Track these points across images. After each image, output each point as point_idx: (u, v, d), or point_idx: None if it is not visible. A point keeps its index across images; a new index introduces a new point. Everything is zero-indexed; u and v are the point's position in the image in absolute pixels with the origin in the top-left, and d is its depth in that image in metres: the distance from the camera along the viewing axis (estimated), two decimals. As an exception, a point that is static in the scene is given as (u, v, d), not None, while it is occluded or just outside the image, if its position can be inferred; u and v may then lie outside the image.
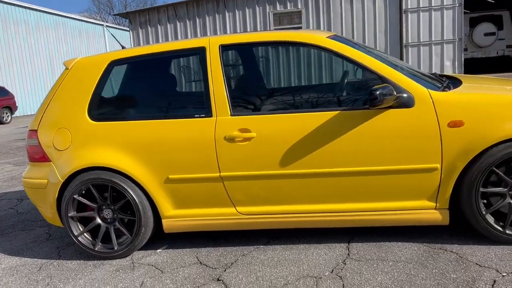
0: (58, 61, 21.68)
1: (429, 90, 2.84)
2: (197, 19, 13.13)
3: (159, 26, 13.27)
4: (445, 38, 12.35)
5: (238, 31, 12.93)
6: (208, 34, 13.13)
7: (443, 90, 2.91)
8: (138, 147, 3.12)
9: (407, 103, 2.82)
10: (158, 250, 3.34)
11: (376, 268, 2.74)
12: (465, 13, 13.82)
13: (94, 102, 3.26)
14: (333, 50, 2.99)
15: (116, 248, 3.23)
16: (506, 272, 2.55)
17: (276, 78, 3.35)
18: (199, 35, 13.20)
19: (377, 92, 2.69)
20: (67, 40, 22.15)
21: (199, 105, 3.10)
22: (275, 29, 12.87)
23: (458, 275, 2.56)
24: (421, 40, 12.49)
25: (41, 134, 3.33)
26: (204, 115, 3.06)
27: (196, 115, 3.08)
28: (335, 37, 3.21)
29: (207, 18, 13.14)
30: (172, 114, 3.14)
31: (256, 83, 3.26)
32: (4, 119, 17.00)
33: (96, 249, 3.26)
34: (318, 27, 12.74)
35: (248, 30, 12.92)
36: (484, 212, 2.83)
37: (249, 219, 3.12)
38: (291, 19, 12.78)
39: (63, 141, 3.26)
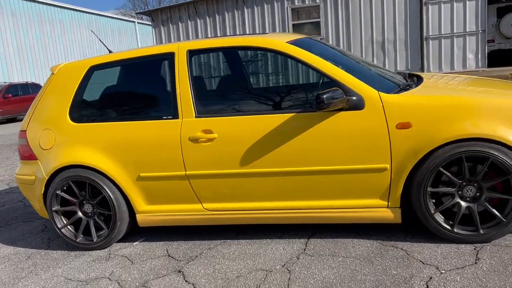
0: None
1: (380, 92, 2.93)
2: (217, 16, 13.36)
3: (180, 24, 13.58)
4: (467, 30, 12.07)
5: (257, 28, 13.07)
6: (228, 31, 13.34)
7: (398, 92, 2.99)
8: (112, 147, 3.36)
9: (357, 106, 2.92)
10: (135, 243, 3.59)
11: (325, 264, 2.87)
12: (492, 2, 13.42)
13: (74, 104, 3.52)
14: (289, 55, 3.12)
15: (95, 240, 3.49)
16: (445, 270, 2.63)
17: (240, 81, 3.52)
18: (218, 32, 13.43)
19: (324, 96, 2.80)
20: (100, 37, 22.89)
21: (167, 107, 3.30)
22: (293, 24, 12.94)
23: (399, 272, 2.67)
24: (443, 33, 12.24)
25: (29, 134, 3.63)
26: (171, 117, 3.27)
27: (164, 117, 3.28)
28: (299, 41, 3.33)
29: (226, 15, 13.34)
30: (143, 116, 3.36)
31: (220, 86, 3.43)
32: (40, 114, 17.84)
33: (77, 241, 3.54)
34: (337, 21, 12.71)
35: (267, 26, 13.04)
36: (432, 211, 2.91)
37: (215, 215, 3.31)
38: (310, 14, 12.80)
39: (48, 141, 3.54)
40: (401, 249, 2.95)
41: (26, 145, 3.64)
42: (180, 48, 3.33)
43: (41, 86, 17.56)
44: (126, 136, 3.33)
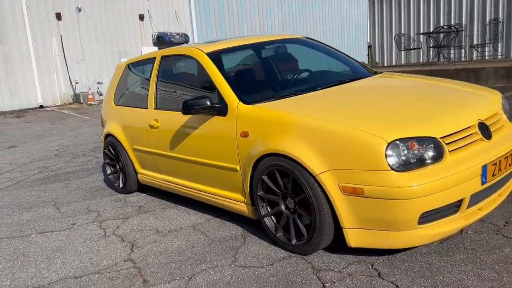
0: (350, 24, 23.69)
1: (240, 102, 3.30)
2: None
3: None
4: None
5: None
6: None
7: (260, 102, 3.28)
8: (123, 124, 4.73)
9: (223, 112, 3.40)
10: (143, 194, 4.92)
11: (185, 237, 3.58)
12: None
13: (116, 91, 5.02)
14: (200, 63, 3.74)
15: (120, 187, 5.00)
16: (236, 265, 3.00)
17: (180, 81, 4.22)
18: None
19: (187, 102, 3.40)
20: (360, 4, 23.79)
21: (146, 99, 4.41)
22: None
23: (205, 257, 3.18)
24: None
25: (102, 110, 5.36)
26: (145, 107, 4.38)
27: (143, 107, 4.43)
28: (226, 49, 3.88)
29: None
30: (137, 104, 4.58)
31: (170, 84, 4.26)
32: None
33: (115, 185, 5.12)
34: None
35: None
36: (262, 214, 3.17)
37: (166, 184, 4.32)
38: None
39: (106, 115, 5.19)
40: (243, 241, 3.35)
41: (101, 116, 5.40)
42: (158, 54, 4.36)
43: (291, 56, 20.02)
44: (129, 117, 4.65)
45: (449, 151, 2.62)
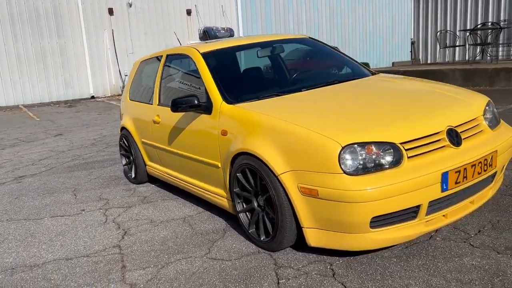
0: (401, 20, 23.01)
1: (223, 101, 3.43)
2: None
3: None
4: None
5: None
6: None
7: (243, 102, 3.40)
8: (135, 118, 4.99)
9: (208, 110, 3.54)
10: (152, 185, 5.17)
11: (177, 227, 3.76)
12: None
13: (131, 87, 5.30)
14: (195, 63, 3.90)
15: (132, 177, 5.28)
16: (208, 257, 3.15)
17: (177, 79, 4.36)
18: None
19: (175, 101, 3.57)
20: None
21: (152, 95, 4.64)
22: None
23: (189, 247, 3.35)
24: None
25: (121, 104, 5.66)
26: (151, 103, 4.60)
27: (149, 102, 4.65)
28: (220, 50, 4.02)
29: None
30: (145, 100, 4.82)
31: (170, 82, 4.44)
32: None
33: (127, 176, 5.41)
34: None
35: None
36: (238, 210, 3.30)
37: (166, 176, 4.53)
38: None
39: (122, 109, 5.48)
40: (223, 235, 3.49)
41: (120, 110, 5.70)
42: (164, 52, 4.57)
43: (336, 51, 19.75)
44: (139, 112, 4.90)
45: (409, 157, 2.61)
